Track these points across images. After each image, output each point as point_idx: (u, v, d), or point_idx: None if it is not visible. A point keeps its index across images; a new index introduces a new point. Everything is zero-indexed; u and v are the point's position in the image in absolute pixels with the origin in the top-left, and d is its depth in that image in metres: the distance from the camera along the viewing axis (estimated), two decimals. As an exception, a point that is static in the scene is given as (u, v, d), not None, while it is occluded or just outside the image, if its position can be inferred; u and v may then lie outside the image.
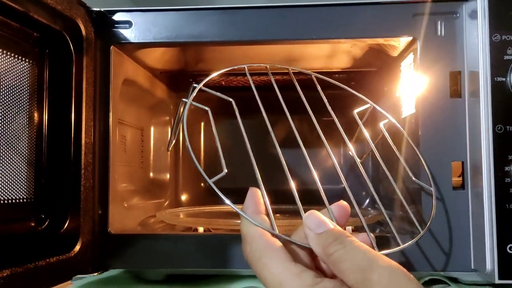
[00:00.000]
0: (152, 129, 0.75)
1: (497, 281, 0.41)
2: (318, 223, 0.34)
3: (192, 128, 0.83)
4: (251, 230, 0.34)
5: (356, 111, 0.47)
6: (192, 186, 0.83)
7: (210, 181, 0.36)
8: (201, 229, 0.55)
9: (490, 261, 0.42)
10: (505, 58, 0.42)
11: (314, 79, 0.48)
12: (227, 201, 0.35)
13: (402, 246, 0.38)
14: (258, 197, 0.37)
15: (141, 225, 0.61)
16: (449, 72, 0.47)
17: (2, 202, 0.39)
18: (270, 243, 0.33)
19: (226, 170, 0.38)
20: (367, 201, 0.77)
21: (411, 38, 0.48)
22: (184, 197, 0.83)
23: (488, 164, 0.42)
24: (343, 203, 0.38)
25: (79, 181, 0.46)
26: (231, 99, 0.42)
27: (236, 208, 0.36)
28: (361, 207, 0.76)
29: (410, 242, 0.39)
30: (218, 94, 0.43)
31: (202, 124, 0.84)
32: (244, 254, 0.34)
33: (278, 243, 0.33)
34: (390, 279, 0.29)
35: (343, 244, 0.32)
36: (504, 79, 0.42)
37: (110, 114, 0.50)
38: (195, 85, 0.43)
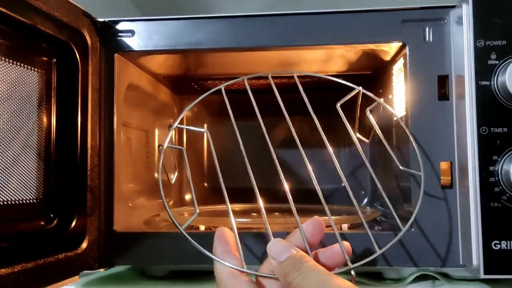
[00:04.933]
0: (156, 131, 0.77)
1: (482, 276, 0.43)
2: (280, 252, 0.35)
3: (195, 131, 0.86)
4: (218, 269, 0.37)
5: (338, 104, 0.48)
6: (196, 186, 0.85)
7: (181, 229, 0.40)
8: (202, 227, 0.58)
9: (476, 257, 0.44)
10: (488, 63, 0.44)
11: (296, 79, 0.49)
12: (201, 248, 0.39)
13: (379, 252, 0.40)
14: (226, 236, 0.39)
15: (146, 223, 0.64)
16: (437, 76, 0.49)
17: (14, 202, 0.42)
18: (236, 281, 0.35)
19: (198, 211, 0.43)
20: (366, 200, 0.79)
21: (401, 43, 0.50)
22: (188, 197, 0.85)
23: (473, 164, 0.44)
24: (316, 219, 0.39)
25: (85, 182, 0.48)
26: (204, 130, 0.46)
27: (204, 251, 0.38)
28: (360, 205, 0.78)
29: (387, 246, 0.41)
30: (191, 128, 0.47)
31: (205, 126, 0.86)
32: None
33: (245, 278, 0.36)
34: None
35: (300, 271, 0.33)
36: (488, 83, 0.44)
37: (115, 118, 0.53)
38: (170, 125, 0.47)
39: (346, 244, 0.39)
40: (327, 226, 0.41)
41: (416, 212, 0.43)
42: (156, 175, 0.77)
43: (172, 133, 0.47)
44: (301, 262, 0.34)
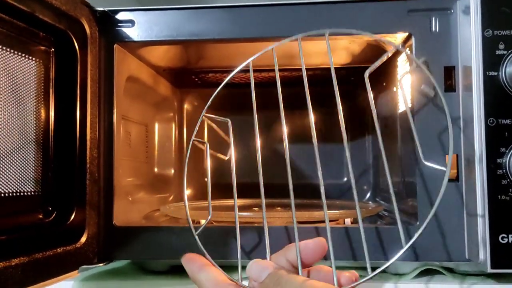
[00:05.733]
0: (156, 125, 0.77)
1: (489, 270, 0.42)
2: (259, 272, 0.36)
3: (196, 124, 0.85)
4: (201, 278, 0.38)
5: (367, 72, 0.45)
6: (196, 181, 0.85)
7: (195, 233, 0.42)
8: (202, 222, 0.57)
9: (483, 251, 0.43)
10: (497, 53, 0.43)
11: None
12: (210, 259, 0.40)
13: (375, 272, 0.36)
14: (194, 258, 0.41)
15: (146, 218, 0.63)
16: (443, 67, 0.48)
17: (11, 194, 0.41)
18: (220, 285, 0.37)
19: (211, 215, 0.44)
20: (368, 194, 0.78)
21: (406, 34, 0.49)
22: (188, 192, 0.84)
23: (480, 156, 0.43)
24: (320, 240, 0.38)
25: (84, 175, 0.47)
26: (227, 120, 0.45)
27: (211, 259, 0.41)
28: (363, 200, 0.77)
29: (413, 238, 0.38)
30: (216, 117, 0.46)
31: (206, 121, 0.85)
32: None
33: (228, 283, 0.37)
34: None
35: (280, 285, 0.33)
36: (496, 73, 0.43)
37: (114, 110, 0.52)
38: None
39: (322, 241, 0.38)
40: (329, 221, 0.40)
41: (438, 202, 0.38)
42: (156, 169, 0.76)
43: (199, 123, 0.45)
44: (280, 276, 0.34)
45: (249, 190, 0.54)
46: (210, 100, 0.47)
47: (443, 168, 0.39)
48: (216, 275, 0.38)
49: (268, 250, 0.40)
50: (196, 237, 0.41)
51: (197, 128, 0.46)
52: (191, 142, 0.49)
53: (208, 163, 0.48)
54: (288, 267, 0.38)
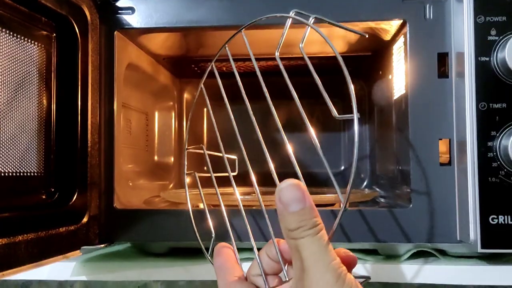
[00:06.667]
0: (156, 114, 0.78)
1: (479, 250, 0.43)
2: (294, 199, 0.30)
3: (195, 114, 0.86)
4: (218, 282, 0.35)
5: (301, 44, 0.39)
6: (196, 169, 0.85)
7: (207, 255, 0.42)
8: (201, 206, 0.58)
9: (473, 231, 0.44)
10: (488, 39, 0.44)
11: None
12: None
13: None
14: (222, 252, 0.37)
15: (146, 203, 0.64)
16: (437, 54, 0.49)
17: (15, 174, 0.42)
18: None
19: (214, 236, 0.45)
20: (365, 183, 0.80)
21: (401, 21, 0.50)
22: (188, 180, 0.85)
23: (472, 139, 0.44)
24: None
25: (86, 158, 0.49)
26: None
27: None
28: (360, 188, 0.78)
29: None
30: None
31: (205, 110, 0.86)
32: None
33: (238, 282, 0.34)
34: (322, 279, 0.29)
35: (309, 233, 0.30)
36: (487, 58, 0.44)
37: (115, 96, 0.53)
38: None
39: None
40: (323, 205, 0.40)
41: (352, 180, 0.37)
42: (156, 157, 0.78)
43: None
44: (313, 223, 0.30)
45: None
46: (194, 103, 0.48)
47: (351, 116, 0.33)
48: (226, 278, 0.35)
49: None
50: (208, 257, 0.42)
51: (186, 136, 0.47)
52: (185, 151, 0.50)
53: (209, 165, 0.50)
54: (271, 264, 0.35)
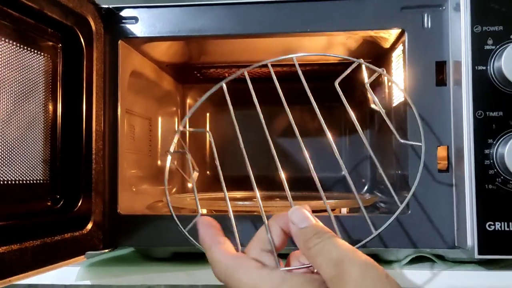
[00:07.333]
0: (159, 119, 0.79)
1: (476, 256, 0.44)
2: (302, 218, 0.37)
3: (198, 119, 0.87)
4: (214, 254, 0.38)
5: (337, 81, 0.46)
6: (198, 174, 0.87)
7: (185, 231, 0.44)
8: (204, 211, 0.59)
9: (471, 237, 0.45)
10: (485, 48, 0.45)
11: (295, 62, 0.49)
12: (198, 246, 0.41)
13: (375, 233, 0.41)
14: (209, 223, 0.41)
15: (149, 208, 0.65)
16: (435, 62, 0.49)
17: (22, 182, 0.43)
18: (235, 257, 0.37)
19: (200, 213, 0.45)
20: (366, 187, 0.80)
21: (400, 30, 0.51)
22: (190, 184, 0.86)
23: (469, 147, 0.45)
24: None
25: (90, 165, 0.50)
26: (207, 131, 0.46)
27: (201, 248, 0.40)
28: (361, 192, 0.79)
29: (384, 226, 0.42)
30: (194, 130, 0.47)
31: (208, 115, 0.87)
32: (219, 279, 0.37)
33: (242, 254, 0.37)
34: (361, 272, 0.31)
35: (321, 239, 0.34)
36: (484, 67, 0.45)
37: (119, 104, 0.54)
38: (177, 129, 0.48)
39: None
40: (323, 211, 0.41)
41: (415, 187, 0.42)
42: (159, 162, 0.79)
43: (177, 137, 0.48)
44: (323, 231, 0.35)
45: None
46: (189, 113, 0.49)
47: (419, 144, 0.44)
48: (222, 254, 0.37)
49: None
50: (185, 232, 0.44)
51: (175, 141, 0.48)
52: (168, 157, 0.51)
53: (192, 172, 0.51)
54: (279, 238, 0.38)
